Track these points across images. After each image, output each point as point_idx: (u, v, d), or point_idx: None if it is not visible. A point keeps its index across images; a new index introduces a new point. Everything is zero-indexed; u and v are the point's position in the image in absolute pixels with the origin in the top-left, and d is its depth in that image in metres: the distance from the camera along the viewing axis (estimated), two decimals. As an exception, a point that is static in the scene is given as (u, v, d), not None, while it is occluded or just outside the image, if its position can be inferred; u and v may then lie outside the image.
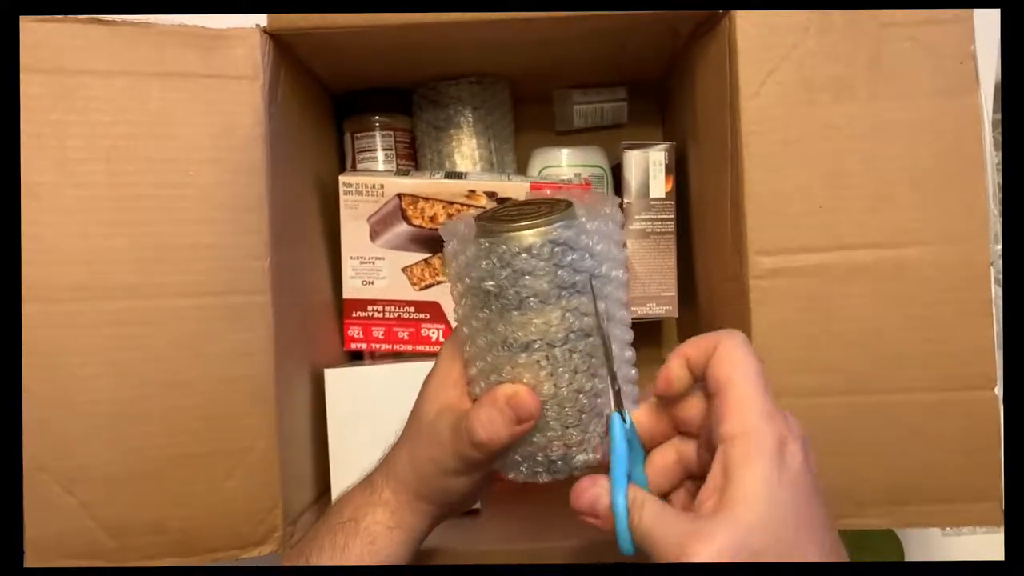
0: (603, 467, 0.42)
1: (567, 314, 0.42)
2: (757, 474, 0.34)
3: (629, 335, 0.46)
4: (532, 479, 0.45)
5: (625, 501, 0.38)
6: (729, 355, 0.38)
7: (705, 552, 0.33)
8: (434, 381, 0.48)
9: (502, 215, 0.43)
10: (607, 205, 0.44)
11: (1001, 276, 0.63)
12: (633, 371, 0.45)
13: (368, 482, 0.50)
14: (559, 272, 0.41)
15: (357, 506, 0.49)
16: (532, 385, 0.42)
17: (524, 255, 0.41)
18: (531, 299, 0.41)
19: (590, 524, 0.39)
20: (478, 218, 0.43)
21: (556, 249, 0.41)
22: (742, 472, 0.35)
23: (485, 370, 0.44)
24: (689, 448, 0.43)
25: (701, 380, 0.40)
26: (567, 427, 0.43)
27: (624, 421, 0.41)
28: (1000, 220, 0.69)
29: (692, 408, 0.42)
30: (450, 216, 0.69)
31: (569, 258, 0.41)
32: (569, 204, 0.43)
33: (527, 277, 0.41)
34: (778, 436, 0.35)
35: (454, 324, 0.47)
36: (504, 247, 0.41)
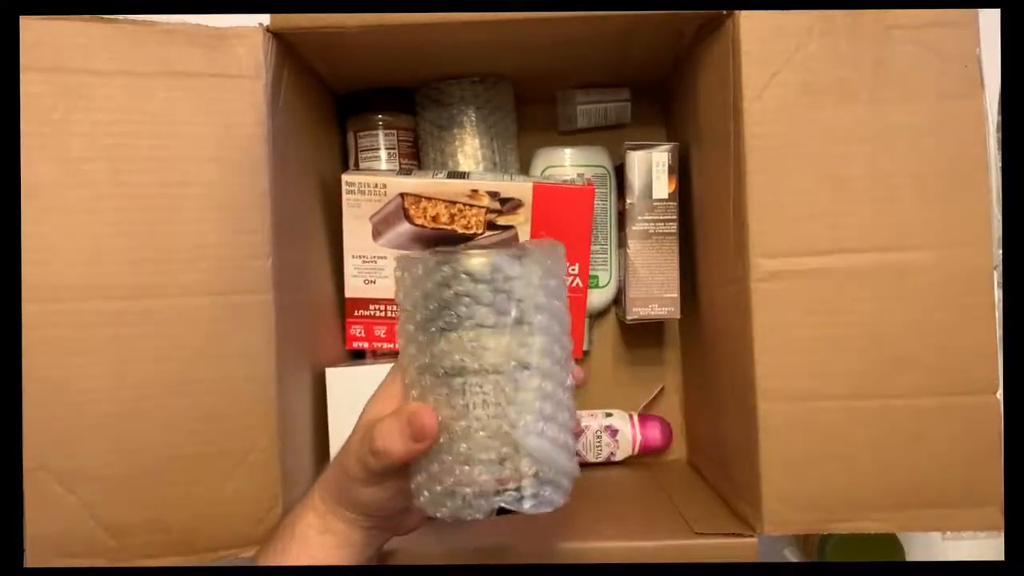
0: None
1: (469, 344, 0.42)
2: None
3: (553, 386, 0.44)
4: (427, 512, 0.45)
5: None
6: None
7: None
8: (376, 393, 0.49)
9: (452, 247, 0.45)
10: (546, 254, 0.44)
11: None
12: (567, 416, 0.45)
13: (308, 490, 0.51)
14: (454, 300, 0.42)
15: (295, 512, 0.50)
16: (435, 409, 0.43)
17: (425, 277, 0.43)
18: (430, 323, 0.43)
19: None
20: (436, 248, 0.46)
21: (462, 277, 0.42)
22: None
23: (406, 385, 0.46)
24: None
25: None
26: (459, 463, 0.43)
27: None
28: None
29: None
30: (452, 216, 0.69)
31: (463, 288, 0.42)
32: (511, 245, 0.44)
33: (429, 299, 0.43)
34: None
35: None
36: (418, 267, 0.43)
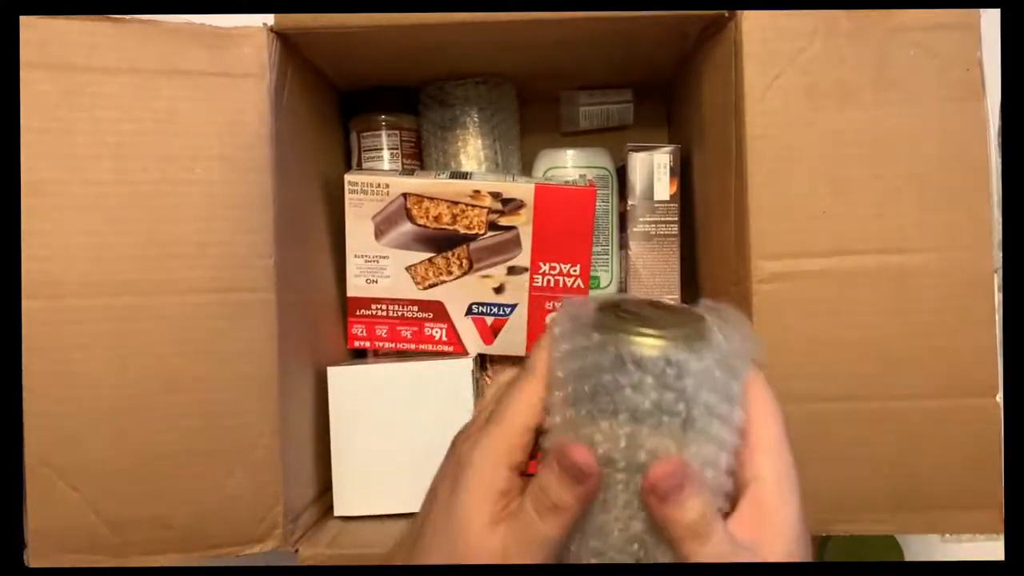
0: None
1: (622, 437, 0.36)
2: (792, 515, 0.36)
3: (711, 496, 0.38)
4: None
5: None
6: (759, 396, 0.37)
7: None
8: (473, 493, 0.39)
9: (621, 312, 0.38)
10: (730, 350, 0.37)
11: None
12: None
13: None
14: (613, 387, 0.36)
15: None
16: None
17: (584, 353, 0.37)
18: (582, 403, 0.37)
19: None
20: (601, 305, 0.39)
21: (628, 366, 0.36)
22: (778, 513, 0.36)
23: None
24: None
25: None
26: (593, 557, 0.37)
27: None
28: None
29: None
30: (454, 216, 0.69)
31: (626, 379, 0.36)
32: (689, 322, 0.37)
33: (584, 378, 0.37)
34: (799, 478, 0.37)
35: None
36: (578, 337, 0.37)
